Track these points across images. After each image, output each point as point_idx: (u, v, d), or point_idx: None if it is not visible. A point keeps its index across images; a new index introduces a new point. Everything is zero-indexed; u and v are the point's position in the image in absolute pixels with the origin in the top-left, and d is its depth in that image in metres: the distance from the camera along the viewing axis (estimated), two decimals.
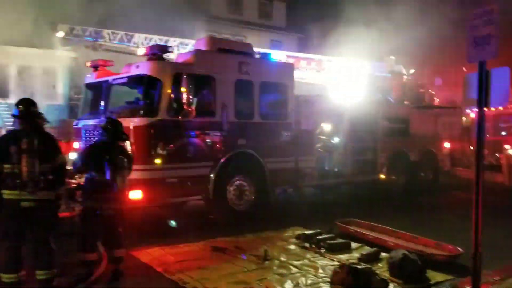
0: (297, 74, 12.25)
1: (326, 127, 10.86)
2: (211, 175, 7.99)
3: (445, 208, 10.39)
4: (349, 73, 15.52)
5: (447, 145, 13.20)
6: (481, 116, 3.98)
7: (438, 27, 17.60)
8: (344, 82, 15.05)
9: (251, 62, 8.85)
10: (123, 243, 5.44)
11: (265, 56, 9.55)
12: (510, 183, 13.23)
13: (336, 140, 10.84)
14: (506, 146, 16.09)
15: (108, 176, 5.08)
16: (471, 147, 14.10)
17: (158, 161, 7.31)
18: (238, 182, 8.44)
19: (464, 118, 14.12)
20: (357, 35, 17.47)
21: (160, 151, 7.33)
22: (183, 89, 7.33)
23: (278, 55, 10.71)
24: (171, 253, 6.33)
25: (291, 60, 14.04)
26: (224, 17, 27.10)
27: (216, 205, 8.14)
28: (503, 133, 17.89)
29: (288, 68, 9.75)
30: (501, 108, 18.61)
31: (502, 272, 5.66)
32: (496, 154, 15.77)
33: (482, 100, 3.90)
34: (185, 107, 7.34)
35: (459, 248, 6.05)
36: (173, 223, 7.88)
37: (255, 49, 9.59)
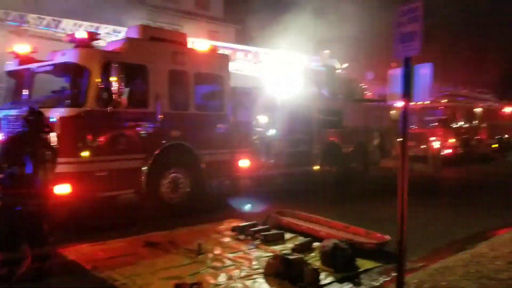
0: (234, 66, 12.21)
1: (263, 119, 10.93)
2: (144, 168, 7.77)
3: (375, 197, 10.80)
4: (285, 66, 15.68)
5: (377, 137, 13.75)
6: (406, 110, 4.14)
7: (370, 23, 18.25)
8: (280, 74, 15.20)
9: (186, 52, 8.68)
10: (47, 240, 5.14)
11: (201, 46, 9.39)
12: (435, 173, 14.04)
13: (272, 132, 10.95)
14: (431, 138, 17.08)
15: (29, 170, 4.77)
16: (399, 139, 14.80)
17: (86, 153, 6.99)
18: (172, 175, 8.28)
19: (393, 112, 14.74)
20: (293, 29, 17.70)
21: (88, 143, 7.01)
22: (113, 79, 7.05)
23: (214, 46, 10.53)
24: (101, 250, 6.09)
25: (227, 52, 13.94)
26: (160, 5, 26.40)
27: (149, 199, 7.94)
28: (429, 125, 19.00)
29: (224, 59, 9.66)
30: (427, 102, 19.80)
31: (426, 258, 5.97)
32: (422, 146, 16.69)
33: (407, 95, 4.05)
34: (115, 97, 7.07)
35: (387, 236, 6.30)
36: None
37: (191, 39, 9.41)
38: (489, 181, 14.50)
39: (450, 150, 18.43)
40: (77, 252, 5.99)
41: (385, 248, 6.15)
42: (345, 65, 16.11)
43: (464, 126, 19.88)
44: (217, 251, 6.11)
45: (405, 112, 4.11)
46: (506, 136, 23.18)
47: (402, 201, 4.08)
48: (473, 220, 8.35)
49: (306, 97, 12.04)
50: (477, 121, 20.87)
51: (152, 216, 8.00)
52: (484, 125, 21.23)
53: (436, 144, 14.92)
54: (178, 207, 8.34)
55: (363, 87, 15.51)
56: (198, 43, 9.51)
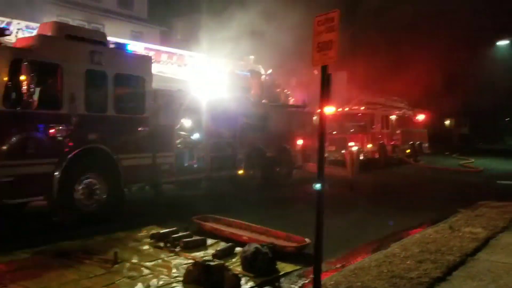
0: (157, 68, 11.89)
1: (187, 122, 10.77)
2: (56, 173, 7.31)
3: (297, 201, 11.03)
4: (211, 70, 15.61)
5: (300, 142, 14.09)
6: (323, 115, 4.24)
7: (295, 30, 18.69)
8: (205, 78, 15.10)
9: (105, 52, 8.32)
10: None
11: (121, 46, 9.03)
12: (353, 177, 14.59)
13: (196, 136, 10.82)
14: (350, 143, 17.82)
15: None
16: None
17: None
18: (87, 180, 7.87)
19: (315, 117, 15.18)
20: (219, 33, 17.67)
21: None
22: (22, 77, 6.58)
23: (137, 47, 10.23)
24: (3, 262, 5.60)
25: (151, 53, 13.58)
26: (80, 2, 25.21)
27: (61, 206, 7.47)
28: (349, 131, 19.85)
29: (146, 61, 9.38)
30: (346, 109, 20.70)
31: (343, 259, 6.17)
32: (342, 151, 17.36)
33: (324, 101, 4.15)
34: (24, 97, 6.58)
35: (307, 239, 6.41)
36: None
37: (112, 39, 9.04)
38: (403, 184, 15.40)
39: (368, 155, 19.37)
40: None
41: (306, 251, 6.27)
42: (270, 71, 16.34)
43: (380, 132, 20.99)
44: (135, 259, 5.88)
45: (322, 117, 4.22)
46: (418, 142, 24.82)
47: (319, 202, 4.16)
48: (388, 221, 8.78)
49: (231, 101, 12.05)
50: (392, 128, 22.13)
51: (65, 224, 7.53)
52: (399, 131, 22.58)
53: (355, 149, 15.54)
54: (94, 214, 7.93)
55: (287, 92, 15.83)
56: (119, 43, 9.17)
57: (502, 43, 25.35)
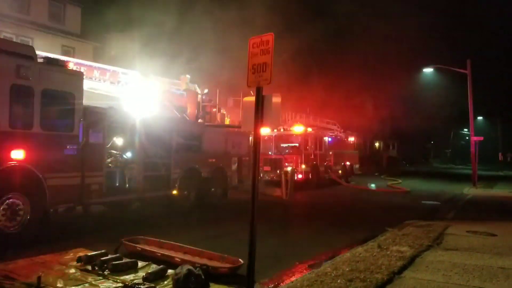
0: (89, 84, 11.53)
1: (119, 141, 10.48)
2: None
3: (232, 221, 11.00)
4: (145, 88, 15.36)
5: (235, 162, 14.12)
6: (257, 136, 4.30)
7: (232, 49, 18.93)
8: (139, 96, 14.82)
9: (33, 66, 7.94)
10: None
11: (50, 61, 8.68)
12: (286, 196, 14.83)
13: (128, 155, 10.54)
14: (286, 164, 18.17)
15: None
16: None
17: None
18: (10, 200, 7.41)
19: (251, 138, 15.35)
20: (155, 51, 17.49)
21: None
22: None
23: (66, 62, 9.83)
24: None
25: (82, 69, 13.16)
26: (8, 14, 23.97)
27: None
28: (284, 152, 20.23)
29: (76, 77, 9.06)
30: (282, 130, 21.12)
31: (276, 279, 6.21)
32: (277, 171, 17.64)
33: (259, 122, 4.22)
34: None
35: (240, 260, 6.40)
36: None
37: (42, 53, 8.66)
38: (335, 204, 15.86)
39: (301, 176, 19.81)
40: None
41: (239, 272, 6.24)
42: (206, 90, 16.39)
43: (314, 153, 21.58)
44: (60, 284, 5.55)
45: (256, 139, 4.27)
46: (349, 163, 25.78)
47: (252, 223, 4.19)
48: (321, 241, 8.98)
49: (166, 120, 11.90)
50: (325, 149, 22.85)
51: None
52: (331, 152, 23.35)
53: (290, 170, 15.85)
54: (16, 236, 7.47)
55: (223, 112, 15.91)
56: (49, 58, 8.81)
57: (428, 70, 27.17)
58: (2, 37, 20.67)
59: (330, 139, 23.61)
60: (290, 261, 7.30)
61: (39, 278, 5.46)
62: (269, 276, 6.21)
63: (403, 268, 6.38)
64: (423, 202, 16.50)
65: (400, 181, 25.26)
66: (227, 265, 6.44)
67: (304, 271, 6.59)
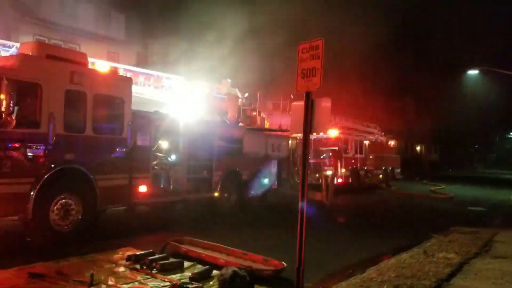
0: (135, 89, 11.90)
1: (164, 144, 10.76)
2: (31, 193, 7.18)
3: (272, 224, 11.09)
4: (188, 92, 15.69)
5: (275, 165, 14.18)
6: (306, 141, 4.36)
7: (272, 54, 19.06)
8: (182, 100, 15.15)
9: (85, 72, 8.30)
10: None
11: (101, 67, 9.06)
12: (327, 200, 14.78)
13: (173, 158, 10.80)
14: (325, 168, 18.08)
15: None
16: (296, 168, 15.47)
17: None
18: (63, 200, 7.75)
19: (290, 141, 15.39)
20: (196, 55, 17.84)
21: None
22: (1, 96, 6.51)
23: (115, 68, 10.22)
24: None
25: (128, 74, 13.60)
26: (55, 21, 25.03)
27: (36, 226, 7.32)
28: (323, 156, 20.12)
29: (125, 82, 9.39)
30: (321, 133, 20.96)
31: (320, 284, 6.23)
32: (316, 175, 17.58)
33: (308, 127, 4.27)
34: (3, 116, 6.51)
35: (284, 263, 6.46)
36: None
37: (93, 60, 9.04)
38: (376, 209, 15.66)
39: (341, 180, 19.65)
40: None
41: (282, 275, 6.30)
42: (246, 94, 16.56)
43: (354, 157, 21.36)
44: (111, 282, 5.78)
45: (305, 143, 4.33)
46: (390, 167, 25.33)
47: (301, 228, 4.24)
48: (363, 246, 8.91)
49: (208, 124, 12.12)
50: (365, 153, 22.55)
51: (39, 245, 7.37)
52: (372, 156, 23.02)
53: (329, 174, 15.78)
54: (69, 235, 7.81)
55: (263, 116, 16.03)
56: (100, 64, 9.18)
57: (473, 72, 26.39)
58: (49, 43, 21.58)
59: (370, 143, 23.29)
60: (333, 265, 7.30)
61: (91, 275, 5.70)
62: (313, 281, 6.23)
63: (451, 275, 6.26)
64: (468, 208, 16.03)
65: (443, 186, 24.60)
66: (271, 268, 6.51)
67: (348, 276, 6.57)
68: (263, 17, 19.36)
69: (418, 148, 43.75)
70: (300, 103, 4.41)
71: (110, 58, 25.73)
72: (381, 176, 23.80)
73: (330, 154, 20.30)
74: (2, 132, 6.71)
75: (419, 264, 6.78)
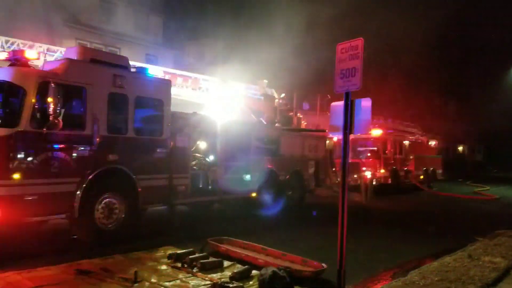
0: (173, 91, 12.13)
1: (202, 145, 10.92)
2: (78, 192, 7.46)
3: (310, 225, 11.04)
4: (224, 93, 15.85)
5: (312, 166, 14.12)
6: (346, 142, 4.33)
7: (308, 54, 18.96)
8: (219, 101, 15.31)
9: (127, 75, 8.53)
10: None
11: (141, 70, 9.27)
12: (366, 202, 14.58)
13: (211, 158, 10.95)
14: (363, 168, 17.82)
15: None
16: (333, 169, 15.34)
17: (16, 176, 6.63)
18: (107, 199, 8.00)
19: (328, 141, 15.27)
20: (232, 57, 17.97)
21: (19, 165, 6.67)
22: (49, 99, 6.79)
23: (155, 70, 10.46)
24: (28, 278, 5.70)
25: (167, 76, 13.87)
26: (96, 25, 25.85)
27: (82, 224, 7.60)
28: (361, 156, 19.85)
29: (165, 84, 9.60)
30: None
31: (361, 286, 6.16)
32: (355, 175, 17.36)
33: (347, 127, 4.24)
34: (51, 118, 6.79)
35: (323, 264, 6.43)
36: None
37: (134, 63, 9.29)
38: (417, 211, 15.31)
39: (380, 180, 19.32)
40: (2, 281, 5.57)
41: (322, 276, 6.28)
42: (282, 94, 16.55)
43: (393, 157, 20.95)
44: (154, 279, 5.93)
45: (345, 144, 4.30)
46: (431, 168, 24.69)
47: (342, 230, 4.22)
48: (404, 248, 8.75)
49: (244, 124, 12.21)
50: (405, 153, 22.08)
51: (85, 242, 7.65)
52: (412, 157, 22.51)
53: (368, 174, 15.56)
54: (113, 233, 8.05)
55: (299, 116, 15.98)
56: (140, 67, 9.42)
57: None
58: (92, 48, 22.26)
59: (410, 143, 22.78)
60: (374, 268, 7.20)
61: (135, 272, 5.87)
62: (353, 283, 6.17)
63: (498, 280, 6.06)
64: None
65: (487, 187, 23.77)
66: (310, 269, 6.49)
67: (390, 279, 6.47)
68: (299, 17, 19.30)
69: (460, 148, 42.44)
70: (339, 103, 4.38)
71: (148, 60, 26.34)
72: (421, 177, 23.24)
73: (369, 154, 20.02)
74: (49, 134, 7.00)
75: (463, 268, 6.58)
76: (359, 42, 4.18)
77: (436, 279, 5.97)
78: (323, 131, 15.09)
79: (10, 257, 6.59)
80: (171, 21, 31.31)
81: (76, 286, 5.53)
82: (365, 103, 4.30)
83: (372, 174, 16.46)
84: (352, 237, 8.11)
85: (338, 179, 15.06)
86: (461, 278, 5.99)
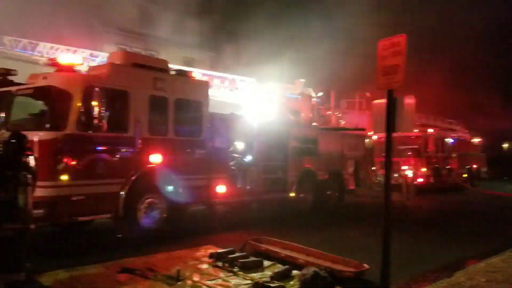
0: (210, 92, 12.28)
1: (239, 145, 10.99)
2: (122, 193, 7.69)
3: (350, 225, 10.91)
4: (261, 93, 15.89)
5: (351, 165, 13.94)
6: (389, 141, 4.27)
7: (345, 52, 18.76)
8: (256, 102, 15.36)
9: (167, 78, 8.73)
10: (22, 266, 4.98)
11: (180, 73, 9.45)
12: (408, 201, 14.27)
13: (248, 158, 11.00)
14: (404, 167, 17.43)
15: (10, 193, 4.67)
16: (373, 168, 15.10)
17: (64, 177, 6.90)
18: (149, 199, 8.20)
19: (367, 140, 15.04)
20: (269, 57, 17.99)
21: (66, 167, 6.94)
22: (94, 103, 7.04)
23: (193, 73, 10.62)
24: (77, 276, 5.91)
25: (205, 78, 14.05)
26: (135, 30, 26.47)
27: (126, 223, 7.83)
28: (402, 154, 19.42)
29: (203, 86, 9.73)
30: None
31: (405, 286, 6.04)
32: (395, 174, 17.02)
33: (390, 126, 4.18)
34: (96, 121, 7.04)
35: (365, 265, 6.35)
36: None
37: (173, 66, 9.49)
38: (461, 210, 14.86)
39: (422, 179, 18.85)
40: (53, 278, 5.80)
41: (363, 277, 6.20)
42: (320, 93, 16.43)
43: (435, 155, 20.41)
44: (196, 278, 6.02)
45: (388, 143, 4.24)
46: (475, 166, 23.90)
47: (386, 230, 4.16)
48: (447, 249, 8.52)
49: (282, 124, 12.20)
50: (447, 151, 21.47)
51: (128, 241, 7.86)
52: (454, 155, 21.86)
53: (409, 173, 15.22)
54: (155, 232, 8.24)
55: (337, 115, 15.83)
56: (179, 69, 9.60)
57: None
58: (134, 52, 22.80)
59: (453, 141, 22.12)
60: (417, 268, 7.04)
61: (178, 271, 5.99)
62: (397, 284, 6.05)
63: None
64: None
65: None
66: (352, 269, 6.42)
67: (434, 279, 6.31)
68: (335, 14, 19.13)
69: (506, 145, 40.85)
70: (382, 101, 4.32)
71: (185, 63, 26.73)
72: (465, 175, 22.52)
73: (410, 153, 19.57)
74: (95, 136, 7.25)
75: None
76: (402, 38, 4.10)
77: (483, 280, 5.79)
78: (362, 129, 14.89)
79: (59, 255, 6.87)
80: (208, 23, 31.63)
81: (122, 283, 5.69)
82: (409, 101, 4.22)
83: (413, 173, 16.07)
84: (394, 237, 7.99)
85: (378, 179, 14.84)
86: (509, 279, 5.78)
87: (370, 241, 8.02)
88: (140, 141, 7.96)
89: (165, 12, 28.36)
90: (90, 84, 7.21)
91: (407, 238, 9.16)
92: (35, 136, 6.67)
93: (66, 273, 6.01)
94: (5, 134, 6.34)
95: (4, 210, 4.73)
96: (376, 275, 5.55)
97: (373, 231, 7.88)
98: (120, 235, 7.93)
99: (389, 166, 4.25)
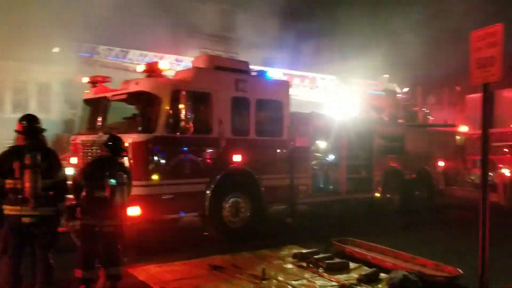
0: (291, 91, 12.30)
1: (321, 144, 10.87)
2: (207, 192, 7.95)
3: (441, 227, 10.36)
4: (343, 91, 15.61)
5: (441, 164, 13.20)
6: (485, 136, 3.99)
7: (432, 46, 17.84)
8: (338, 99, 15.12)
9: (248, 79, 8.87)
10: (121, 260, 5.32)
11: (261, 73, 9.54)
12: (506, 203, 13.24)
13: (331, 157, 10.85)
14: (500, 166, 16.16)
15: (107, 192, 5.02)
16: (467, 167, 14.18)
17: (155, 177, 7.28)
18: (233, 199, 8.40)
19: (458, 137, 14.17)
20: (350, 53, 17.64)
21: (157, 167, 7.33)
22: (181, 106, 7.34)
23: (273, 72, 10.70)
24: (168, 271, 6.22)
25: (285, 77, 14.09)
26: (217, 34, 27.28)
27: (211, 221, 8.09)
28: (497, 152, 18.00)
29: (283, 86, 9.74)
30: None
31: None
32: (490, 173, 15.85)
33: (486, 122, 3.90)
34: (183, 123, 7.34)
35: (459, 270, 5.99)
36: None
37: (254, 67, 9.63)
38: None
39: None
40: (146, 272, 6.15)
41: (457, 282, 5.85)
42: (406, 89, 15.81)
43: None
44: (281, 277, 6.06)
45: (484, 140, 3.96)
46: None
47: (484, 233, 3.89)
48: None
49: (365, 122, 11.88)
50: None
51: (213, 239, 8.11)
52: None
53: (506, 172, 14.10)
54: (239, 231, 8.44)
55: (425, 111, 15.09)
56: (260, 70, 9.71)
57: None
58: (216, 55, 23.51)
59: None
60: None
61: (263, 270, 6.06)
62: None
63: None
64: None
65: None
66: (445, 274, 6.08)
67: None
68: (420, 6, 18.28)
69: None
70: (476, 96, 4.04)
71: (265, 63, 26.99)
72: None
73: (506, 150, 18.09)
74: (182, 138, 7.56)
75: None
76: (498, 27, 3.80)
77: None
78: (452, 125, 14.05)
79: (150, 251, 7.24)
80: (287, 22, 31.71)
81: (211, 281, 5.87)
82: (508, 94, 3.90)
83: (510, 172, 14.84)
84: (490, 240, 7.45)
85: (472, 178, 13.92)
86: None
87: (462, 244, 7.59)
88: (223, 141, 8.17)
89: (245, 15, 28.94)
90: (177, 88, 7.51)
91: (505, 242, 8.47)
92: (128, 139, 7.09)
93: (157, 268, 6.35)
94: (103, 136, 6.82)
95: (107, 208, 5.09)
96: (470, 280, 5.20)
97: (465, 234, 7.42)
98: (206, 233, 8.21)
99: (485, 165, 3.96)
